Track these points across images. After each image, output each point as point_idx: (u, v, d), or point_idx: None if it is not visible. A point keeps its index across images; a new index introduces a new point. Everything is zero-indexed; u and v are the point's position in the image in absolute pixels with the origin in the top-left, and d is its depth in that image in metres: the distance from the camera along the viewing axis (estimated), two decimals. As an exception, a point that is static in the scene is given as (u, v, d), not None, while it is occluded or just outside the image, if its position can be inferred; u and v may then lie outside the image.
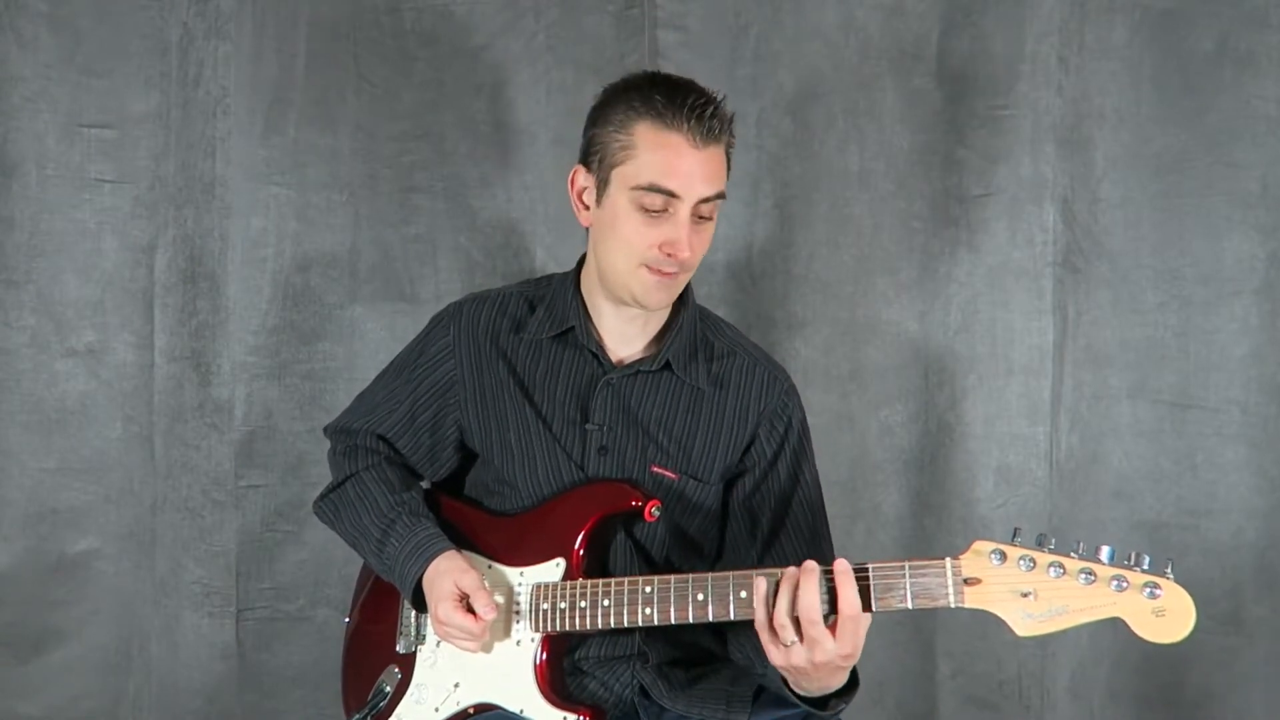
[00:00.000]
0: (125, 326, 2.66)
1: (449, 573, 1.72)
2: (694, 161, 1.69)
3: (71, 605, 2.66)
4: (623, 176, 1.71)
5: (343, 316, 2.71)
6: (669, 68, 2.55)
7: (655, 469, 1.81)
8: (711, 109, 1.70)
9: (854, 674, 1.66)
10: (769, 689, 1.79)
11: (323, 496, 1.96)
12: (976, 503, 2.65)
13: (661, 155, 1.68)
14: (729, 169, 1.78)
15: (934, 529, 2.66)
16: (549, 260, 2.67)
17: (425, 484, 1.98)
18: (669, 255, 1.70)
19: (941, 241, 2.64)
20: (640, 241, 1.71)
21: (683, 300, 1.86)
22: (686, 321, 1.85)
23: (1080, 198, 2.59)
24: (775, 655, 1.56)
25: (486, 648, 1.75)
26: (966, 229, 2.64)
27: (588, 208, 1.80)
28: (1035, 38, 2.58)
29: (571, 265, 1.94)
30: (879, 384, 2.67)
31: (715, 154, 1.72)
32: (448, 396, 1.89)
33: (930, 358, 2.66)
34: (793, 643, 1.53)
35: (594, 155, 1.76)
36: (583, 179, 1.79)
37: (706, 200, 1.71)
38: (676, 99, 1.69)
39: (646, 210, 1.70)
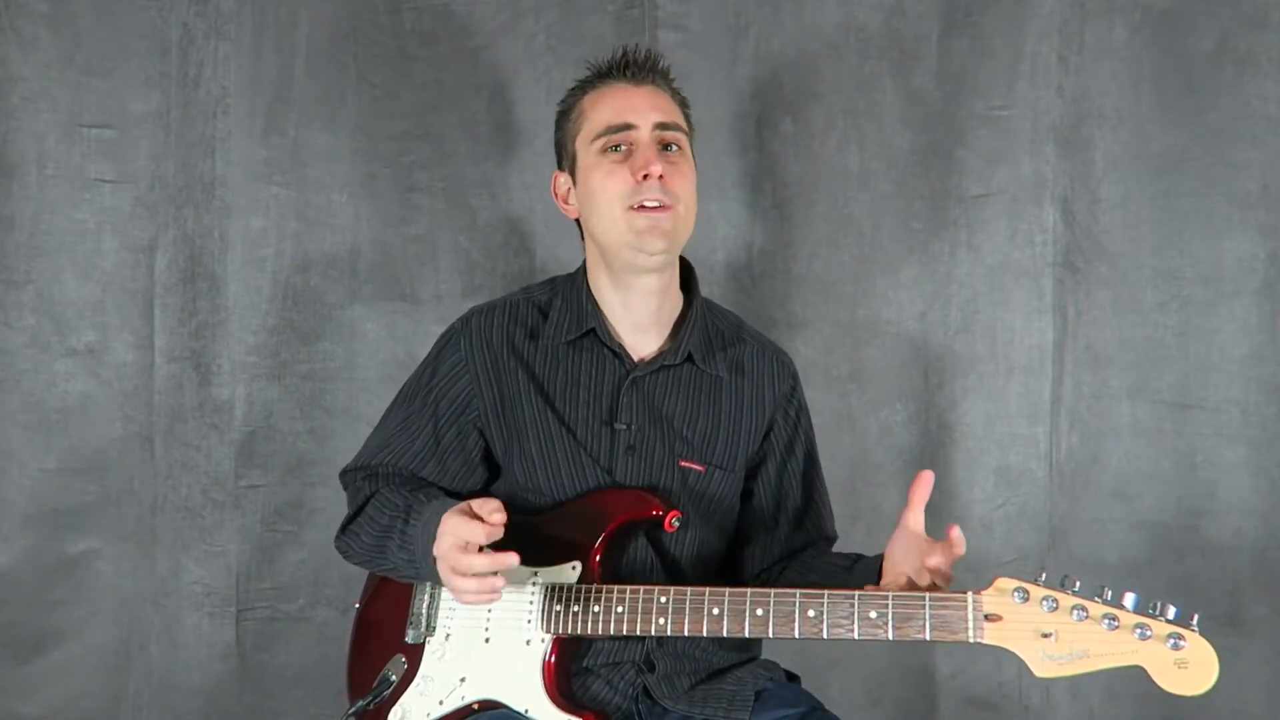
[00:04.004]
0: (125, 326, 2.66)
1: (458, 506, 1.67)
2: (637, 96, 1.82)
3: (71, 605, 2.65)
4: (583, 140, 1.83)
5: (343, 316, 2.70)
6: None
7: (683, 463, 1.82)
8: (638, 54, 1.85)
9: None
10: (770, 689, 1.80)
11: (343, 529, 1.92)
12: (976, 503, 2.64)
13: (606, 102, 1.83)
14: (689, 121, 1.89)
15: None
16: (549, 260, 2.67)
17: None
18: (644, 179, 1.75)
19: (941, 241, 2.64)
20: (615, 185, 1.78)
21: (692, 290, 1.88)
22: (699, 312, 1.87)
23: (1080, 198, 2.59)
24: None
25: (496, 642, 1.74)
26: (966, 229, 2.64)
27: (569, 202, 1.90)
28: (1035, 38, 2.59)
29: (571, 265, 1.95)
30: (879, 384, 2.67)
31: (656, 90, 1.85)
32: (468, 413, 1.88)
33: (930, 358, 2.66)
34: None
35: (562, 152, 1.90)
36: (562, 180, 1.91)
37: (664, 126, 1.80)
38: (605, 61, 1.88)
39: (612, 153, 1.79)
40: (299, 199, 2.69)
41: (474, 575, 1.62)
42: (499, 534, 1.62)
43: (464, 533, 1.62)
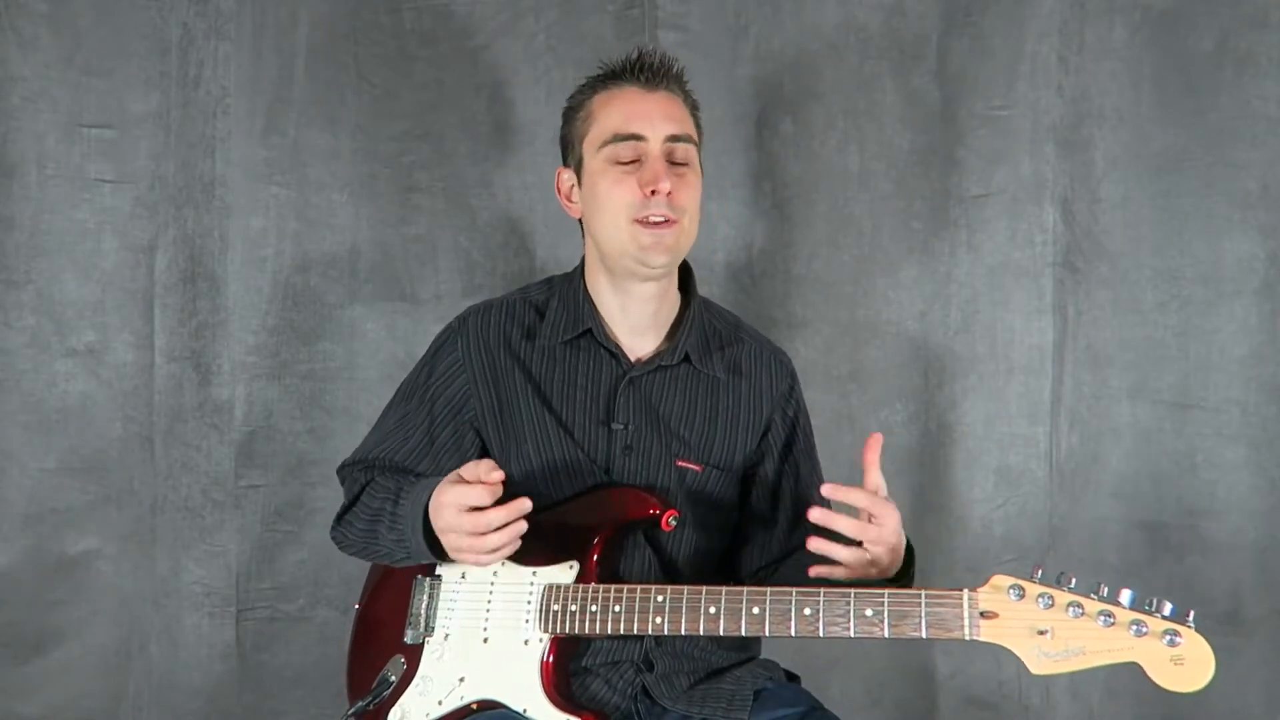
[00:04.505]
0: (125, 326, 2.66)
1: (448, 478, 1.67)
2: (649, 103, 1.78)
3: (71, 605, 2.65)
4: (591, 144, 1.80)
5: (343, 316, 2.71)
6: (669, 68, 2.56)
7: (680, 463, 1.82)
8: (653, 58, 1.80)
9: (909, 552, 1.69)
10: (769, 689, 1.80)
11: (338, 520, 1.92)
12: (976, 503, 2.65)
13: (616, 106, 1.79)
14: (698, 125, 1.85)
15: (934, 529, 2.66)
16: (549, 260, 2.67)
17: None
18: (652, 194, 1.74)
19: (941, 241, 2.64)
20: (622, 195, 1.76)
21: (689, 291, 1.88)
22: (696, 312, 1.87)
23: (1080, 198, 2.59)
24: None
25: (494, 642, 1.74)
26: (966, 229, 2.64)
27: (573, 200, 1.87)
28: (1035, 38, 2.59)
29: (571, 265, 1.95)
30: (879, 384, 2.67)
31: (670, 97, 1.81)
32: (464, 412, 1.87)
33: (930, 358, 2.66)
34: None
35: (568, 149, 1.86)
36: (566, 177, 1.88)
37: (675, 139, 1.77)
38: (619, 62, 1.81)
39: (620, 164, 1.76)
40: (299, 199, 2.69)
41: (494, 531, 1.62)
42: (499, 492, 1.63)
43: (466, 498, 1.62)
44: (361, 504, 1.87)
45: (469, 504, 1.62)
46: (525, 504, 1.63)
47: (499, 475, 1.63)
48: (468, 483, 1.64)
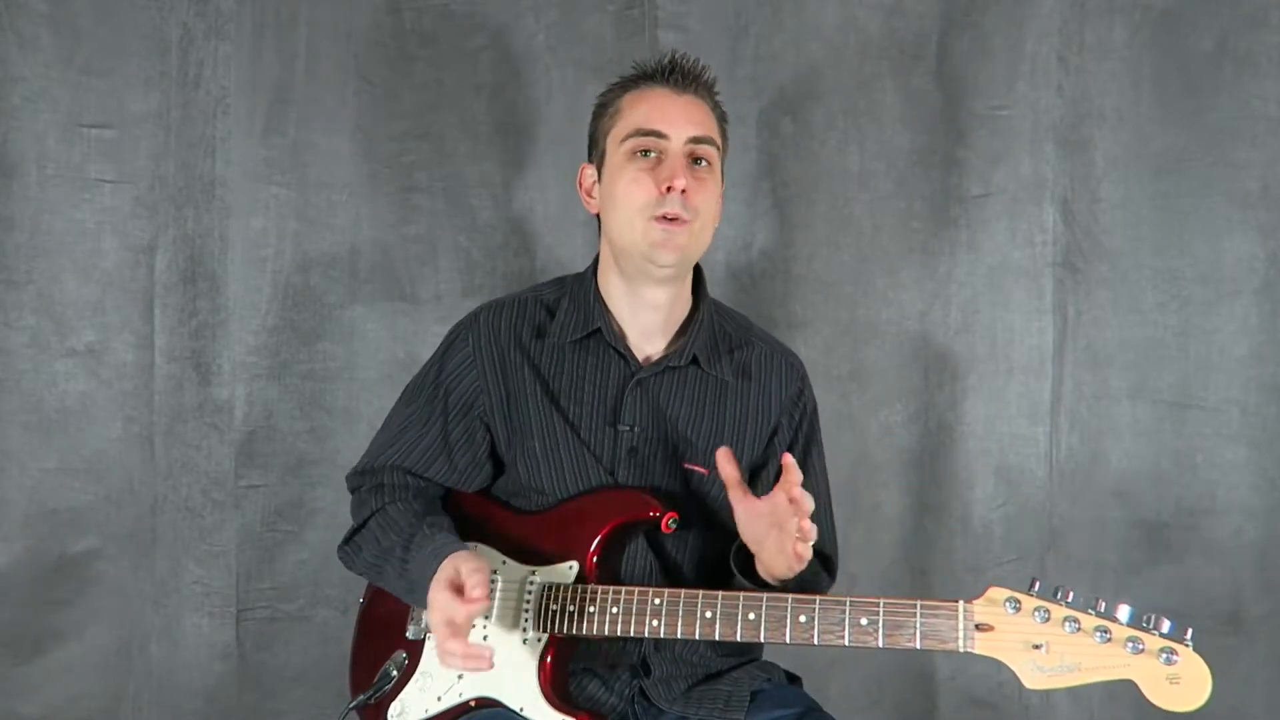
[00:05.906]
0: (125, 326, 2.66)
1: (451, 561, 1.69)
2: (677, 105, 1.80)
3: (71, 605, 2.65)
4: (614, 137, 1.81)
5: (343, 316, 2.71)
6: (669, 68, 2.56)
7: (686, 465, 1.82)
8: (686, 62, 1.82)
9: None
10: (766, 690, 1.80)
11: (346, 541, 1.92)
12: (976, 503, 2.65)
13: (644, 104, 1.81)
14: (724, 135, 1.86)
15: (934, 529, 2.66)
16: (549, 260, 2.67)
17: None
18: (668, 191, 1.74)
19: (941, 241, 2.64)
20: (639, 190, 1.76)
21: (700, 294, 1.89)
22: (706, 314, 1.86)
23: (1080, 198, 2.59)
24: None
25: (493, 640, 1.74)
26: (966, 229, 2.64)
27: (593, 196, 1.87)
28: (1035, 38, 2.59)
29: (571, 265, 1.95)
30: (879, 384, 2.67)
31: (698, 102, 1.82)
32: (475, 408, 1.87)
33: (930, 358, 2.66)
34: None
35: (593, 145, 1.87)
36: (589, 173, 1.88)
37: (697, 141, 1.78)
38: (652, 63, 1.85)
39: (640, 158, 1.78)
40: (299, 199, 2.69)
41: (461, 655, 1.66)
42: (481, 609, 1.64)
43: (450, 613, 1.64)
44: (371, 535, 1.87)
45: (448, 618, 1.64)
46: (486, 652, 1.65)
47: (482, 594, 1.63)
48: (457, 588, 1.65)
